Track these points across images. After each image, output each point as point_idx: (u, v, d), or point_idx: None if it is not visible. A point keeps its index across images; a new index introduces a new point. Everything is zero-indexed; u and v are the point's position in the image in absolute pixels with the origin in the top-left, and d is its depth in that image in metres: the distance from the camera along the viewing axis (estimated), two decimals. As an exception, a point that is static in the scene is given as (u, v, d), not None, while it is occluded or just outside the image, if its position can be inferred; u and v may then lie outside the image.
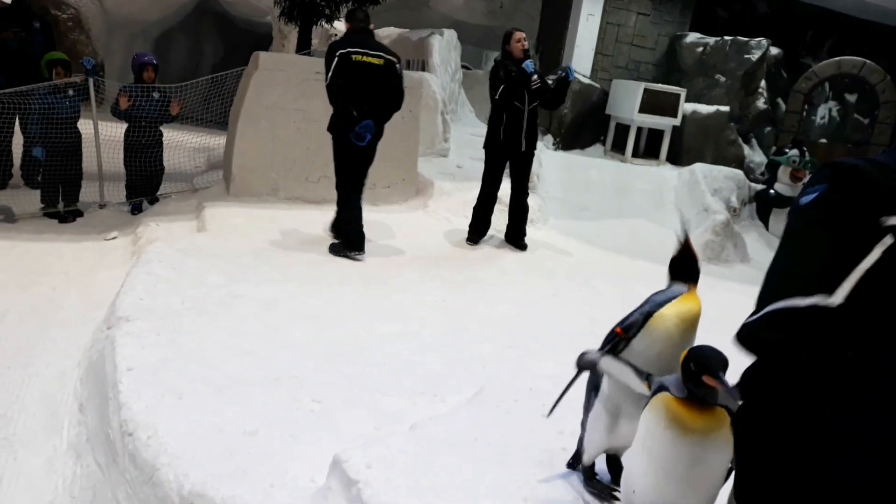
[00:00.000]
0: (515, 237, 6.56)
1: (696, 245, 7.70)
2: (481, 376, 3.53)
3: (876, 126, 10.97)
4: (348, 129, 5.43)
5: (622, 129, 10.33)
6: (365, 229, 5.76)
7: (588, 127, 11.30)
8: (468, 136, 9.03)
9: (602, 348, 2.44)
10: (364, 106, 5.43)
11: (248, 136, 6.79)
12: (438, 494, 2.20)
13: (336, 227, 5.85)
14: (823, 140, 11.42)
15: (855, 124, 11.24)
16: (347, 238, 5.70)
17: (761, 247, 8.09)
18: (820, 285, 1.22)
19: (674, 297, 2.45)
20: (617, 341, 2.43)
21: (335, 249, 5.68)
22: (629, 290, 5.95)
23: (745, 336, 1.34)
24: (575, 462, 2.48)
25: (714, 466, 1.90)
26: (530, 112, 6.25)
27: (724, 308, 5.76)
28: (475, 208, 6.51)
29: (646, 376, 2.06)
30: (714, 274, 6.88)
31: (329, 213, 6.00)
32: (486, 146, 6.38)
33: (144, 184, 7.12)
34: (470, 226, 6.53)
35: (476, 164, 8.29)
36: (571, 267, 6.38)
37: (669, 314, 2.37)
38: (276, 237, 5.84)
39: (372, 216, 6.82)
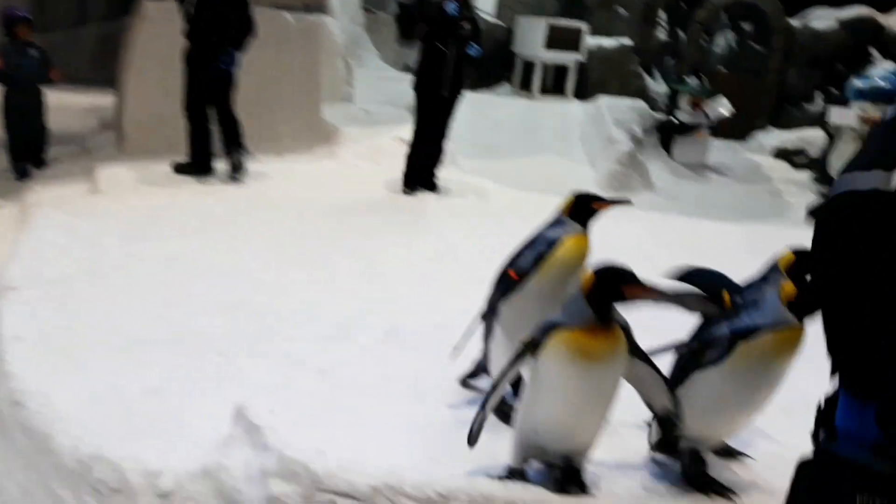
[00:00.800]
0: (428, 180, 6.49)
1: (602, 176, 7.81)
2: (394, 317, 3.51)
3: (770, 53, 11.32)
4: (212, 58, 5.78)
5: (528, 67, 10.31)
6: (272, 180, 5.69)
7: (495, 65, 11.22)
8: (374, 79, 8.84)
9: (496, 293, 2.43)
10: (217, 34, 5.76)
11: (138, 91, 6.43)
12: (347, 433, 2.18)
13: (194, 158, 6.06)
14: (722, 68, 11.73)
15: (751, 52, 11.57)
16: (198, 161, 5.95)
17: (666, 175, 8.30)
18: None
19: (563, 235, 2.46)
20: (508, 282, 2.42)
21: (180, 168, 5.93)
22: (538, 223, 6.02)
23: (816, 216, 1.28)
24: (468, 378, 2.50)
25: (616, 384, 1.93)
26: (456, 56, 6.06)
27: (628, 237, 5.90)
28: (409, 156, 6.30)
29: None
30: (621, 203, 7.03)
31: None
32: (415, 89, 6.25)
33: (28, 148, 6.67)
34: (406, 175, 6.30)
35: (384, 109, 8.16)
36: (484, 206, 6.38)
37: (563, 256, 2.38)
38: (175, 194, 5.60)
39: (277, 167, 6.63)
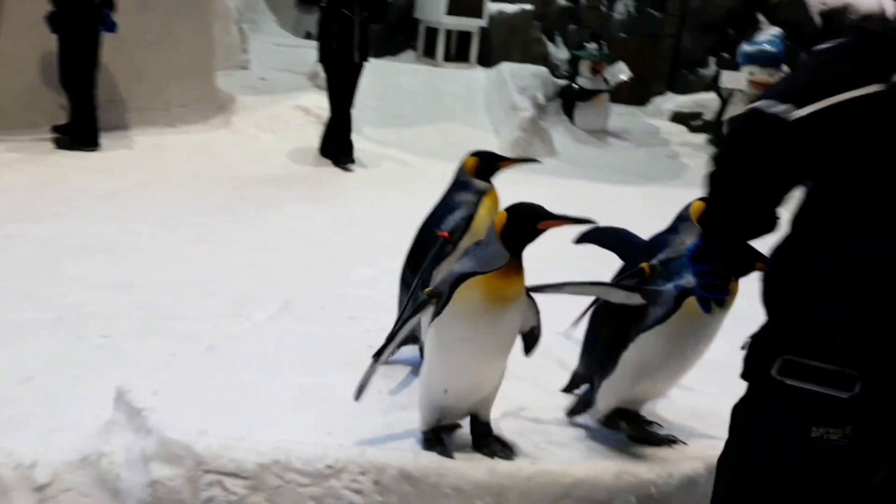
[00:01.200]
0: (336, 151, 6.32)
1: (506, 142, 7.88)
2: (291, 290, 3.42)
3: (666, 18, 11.61)
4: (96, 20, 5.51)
5: (432, 33, 10.21)
6: (164, 152, 5.42)
7: (398, 32, 11.07)
8: (271, 46, 8.56)
9: (429, 258, 2.34)
10: None
11: (11, 59, 5.96)
12: (237, 411, 2.10)
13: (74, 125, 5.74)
14: (622, 34, 11.95)
15: (649, 18, 11.83)
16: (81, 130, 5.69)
17: (567, 140, 8.43)
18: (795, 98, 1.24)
19: (483, 194, 2.44)
20: (443, 244, 2.36)
21: (63, 143, 5.65)
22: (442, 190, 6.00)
23: (731, 125, 1.40)
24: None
25: (518, 324, 1.92)
26: (361, 21, 5.97)
27: (543, 196, 5.96)
28: (340, 131, 6.18)
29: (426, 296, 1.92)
30: (522, 169, 7.07)
31: (108, 138, 5.63)
32: (321, 60, 6.12)
33: None
34: (339, 149, 6.18)
35: (282, 76, 7.92)
36: (387, 174, 6.32)
37: (488, 213, 2.36)
38: (58, 170, 5.28)
39: (170, 138, 6.35)
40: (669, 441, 2.12)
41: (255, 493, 1.84)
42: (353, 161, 6.31)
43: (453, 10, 9.60)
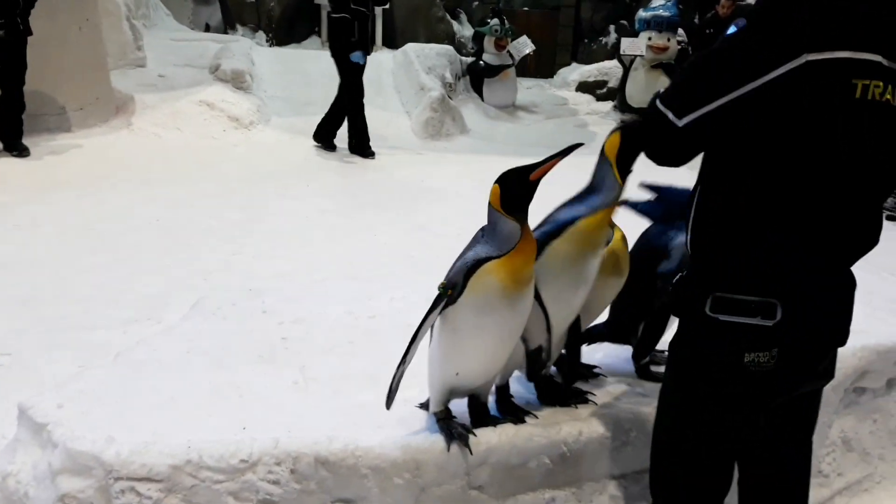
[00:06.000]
0: (326, 137, 6.64)
1: (417, 124, 7.91)
2: (202, 289, 3.36)
3: (566, -10, 11.78)
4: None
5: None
6: (62, 159, 5.43)
7: (300, 19, 10.90)
8: (168, 41, 8.29)
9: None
10: None
11: None
12: (147, 415, 2.06)
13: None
14: (525, 7, 12.08)
15: (550, -10, 11.99)
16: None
17: (479, 117, 8.50)
18: (684, 102, 1.38)
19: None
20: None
21: None
22: (355, 179, 5.99)
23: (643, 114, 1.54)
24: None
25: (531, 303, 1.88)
26: (373, 18, 6.43)
27: (445, 180, 6.00)
28: (350, 122, 6.45)
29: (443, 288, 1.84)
30: (437, 149, 7.14)
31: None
32: (335, 56, 6.38)
33: None
34: (357, 144, 6.45)
35: (182, 72, 7.68)
36: (294, 164, 6.25)
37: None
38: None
39: (67, 143, 6.11)
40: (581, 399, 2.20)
41: (169, 494, 1.82)
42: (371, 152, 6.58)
43: (354, -7, 9.48)
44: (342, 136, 6.67)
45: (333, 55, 6.48)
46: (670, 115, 1.37)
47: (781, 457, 1.58)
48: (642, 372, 2.36)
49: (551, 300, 1.96)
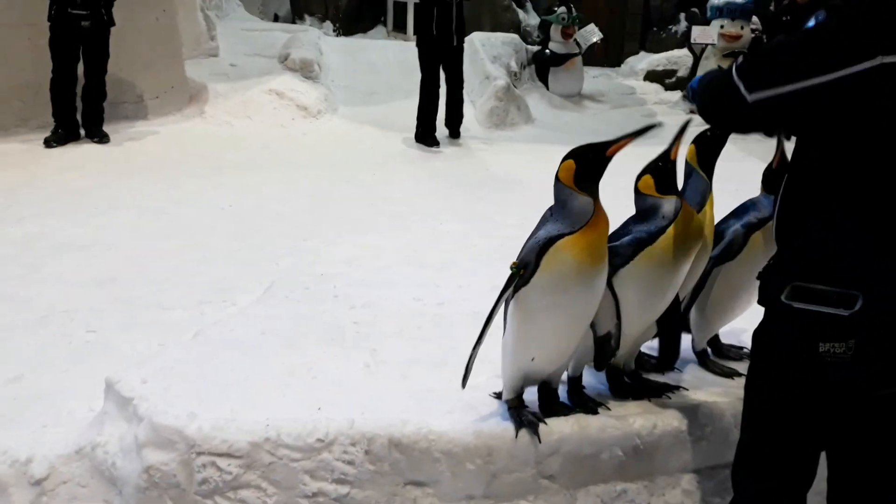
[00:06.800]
0: (454, 129, 6.74)
1: (482, 113, 7.90)
2: (274, 273, 3.44)
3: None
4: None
5: (400, 8, 10.15)
6: (139, 146, 5.70)
7: (367, 9, 10.99)
8: (239, 31, 8.47)
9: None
10: None
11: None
12: (226, 393, 2.12)
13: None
14: (591, -4, 11.88)
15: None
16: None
17: (544, 106, 8.42)
18: (758, 79, 1.40)
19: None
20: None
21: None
22: (420, 167, 6.01)
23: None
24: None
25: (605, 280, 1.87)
26: (458, 5, 6.39)
27: (512, 168, 5.98)
28: (422, 111, 6.51)
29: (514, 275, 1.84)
30: (502, 139, 7.11)
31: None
32: (418, 44, 6.49)
33: None
34: (421, 133, 6.51)
35: (253, 62, 7.84)
36: (364, 152, 6.31)
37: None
38: (32, 170, 5.23)
39: (144, 130, 6.32)
40: (666, 390, 2.16)
41: (248, 471, 1.88)
42: (436, 142, 6.59)
43: (420, -17, 9.50)
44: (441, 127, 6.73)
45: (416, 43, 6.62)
46: (742, 88, 1.39)
47: (873, 454, 1.53)
48: (701, 361, 2.35)
49: (636, 304, 1.95)
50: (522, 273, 1.81)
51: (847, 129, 1.37)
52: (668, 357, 2.19)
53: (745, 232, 2.17)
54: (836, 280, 1.41)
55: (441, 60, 6.49)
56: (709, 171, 2.13)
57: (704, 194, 2.10)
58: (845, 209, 1.41)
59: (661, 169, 1.95)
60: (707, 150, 2.12)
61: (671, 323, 2.10)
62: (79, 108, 5.92)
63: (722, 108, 1.50)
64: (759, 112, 1.41)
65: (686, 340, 2.34)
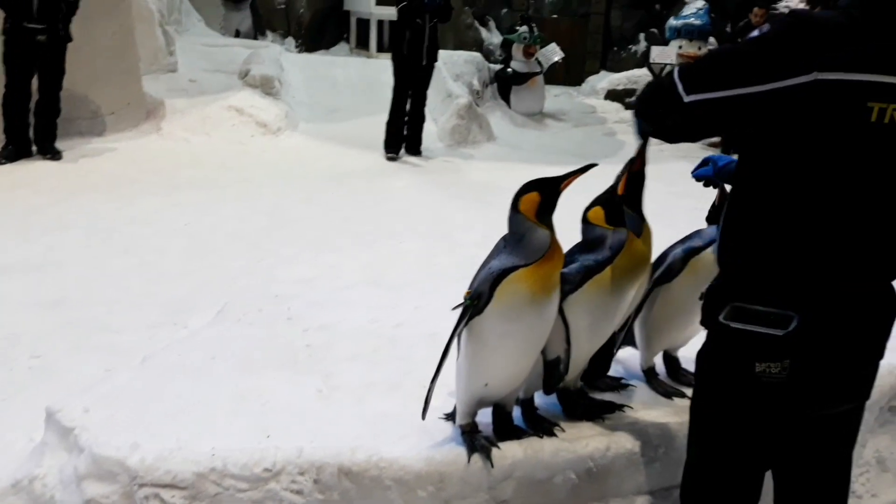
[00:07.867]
0: (413, 145, 6.83)
1: (444, 130, 7.94)
2: (228, 295, 3.38)
3: (595, -3, 11.72)
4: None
5: (363, 25, 10.15)
6: (93, 163, 5.62)
7: (329, 25, 10.98)
8: (199, 47, 8.38)
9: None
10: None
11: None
12: (172, 421, 2.06)
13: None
14: (554, 15, 12.05)
15: (579, -3, 11.94)
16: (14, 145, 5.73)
17: (506, 124, 8.47)
18: (696, 81, 1.40)
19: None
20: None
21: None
22: (382, 185, 5.99)
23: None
24: None
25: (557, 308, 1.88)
26: (431, 28, 6.54)
27: (471, 186, 5.97)
28: (388, 123, 6.67)
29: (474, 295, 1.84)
30: (463, 156, 7.13)
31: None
32: (393, 60, 6.67)
33: None
34: (385, 141, 6.65)
35: (212, 77, 7.76)
36: (324, 170, 6.26)
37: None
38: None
39: (98, 147, 6.20)
40: (616, 408, 2.16)
41: (193, 502, 1.83)
42: (396, 155, 6.74)
43: (383, 0, 9.54)
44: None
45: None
46: (680, 88, 1.39)
47: (816, 473, 1.54)
48: (647, 380, 2.35)
49: (585, 329, 1.96)
50: (475, 303, 1.81)
51: (780, 144, 1.37)
52: (596, 372, 2.22)
53: (683, 256, 2.18)
54: (772, 301, 1.42)
55: (411, 78, 6.62)
56: (637, 209, 2.05)
57: (637, 230, 2.05)
58: (782, 229, 1.42)
59: (611, 201, 1.97)
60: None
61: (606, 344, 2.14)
62: (31, 124, 5.78)
63: (657, 106, 1.48)
64: (693, 114, 1.40)
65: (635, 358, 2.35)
